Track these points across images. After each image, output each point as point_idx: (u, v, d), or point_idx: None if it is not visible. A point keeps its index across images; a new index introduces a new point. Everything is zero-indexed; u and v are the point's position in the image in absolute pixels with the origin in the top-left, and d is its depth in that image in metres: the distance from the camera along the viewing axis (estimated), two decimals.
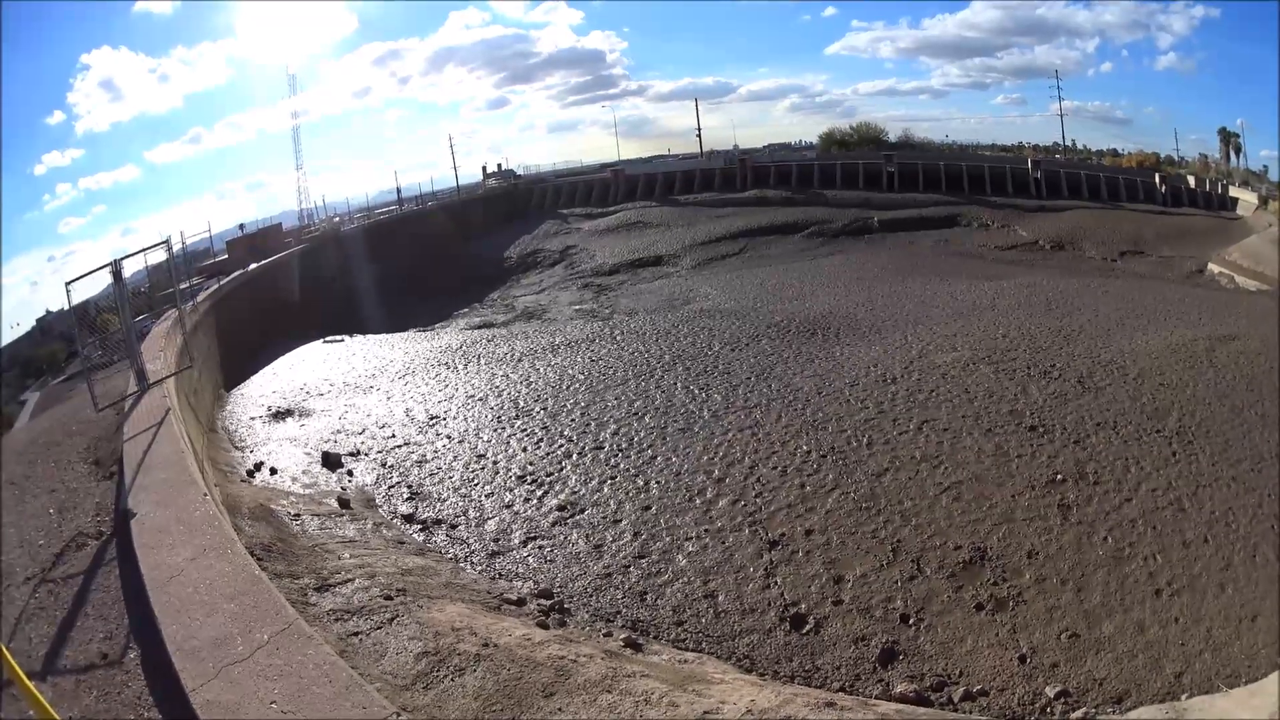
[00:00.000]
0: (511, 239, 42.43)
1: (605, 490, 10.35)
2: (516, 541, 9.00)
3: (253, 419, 14.24)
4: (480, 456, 11.88)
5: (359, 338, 23.52)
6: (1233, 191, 36.32)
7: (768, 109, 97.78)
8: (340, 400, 15.59)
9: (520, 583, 7.99)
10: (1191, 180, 39.43)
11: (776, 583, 7.91)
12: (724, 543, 8.73)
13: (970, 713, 6.02)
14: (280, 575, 6.11)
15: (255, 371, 19.04)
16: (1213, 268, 26.46)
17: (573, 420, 13.24)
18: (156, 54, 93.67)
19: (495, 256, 39.86)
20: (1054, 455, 10.48)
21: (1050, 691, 6.21)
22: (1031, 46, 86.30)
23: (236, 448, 12.32)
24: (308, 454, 11.93)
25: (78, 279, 10.80)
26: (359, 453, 12.15)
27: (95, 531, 6.40)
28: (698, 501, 9.82)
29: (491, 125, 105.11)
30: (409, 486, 10.73)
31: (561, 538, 9.07)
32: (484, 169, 62.84)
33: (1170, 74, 72.08)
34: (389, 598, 6.04)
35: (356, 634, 5.29)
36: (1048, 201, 38.41)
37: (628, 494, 10.18)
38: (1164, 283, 24.60)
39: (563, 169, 62.71)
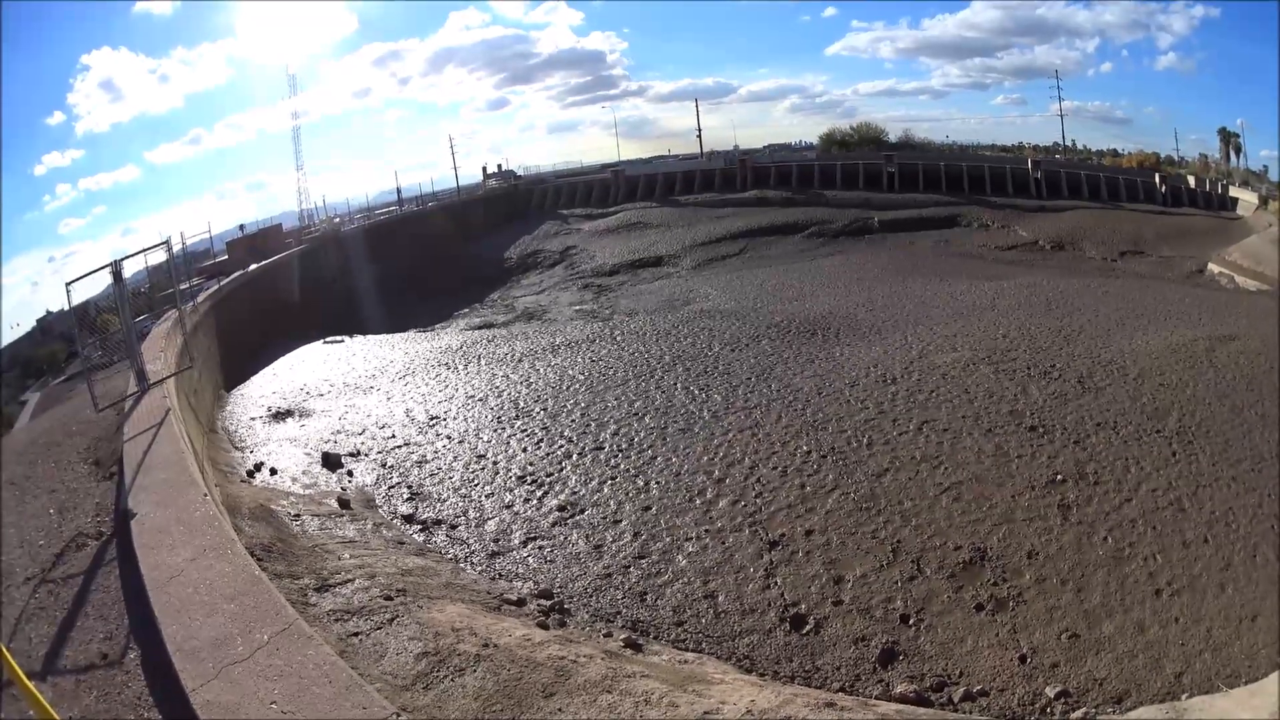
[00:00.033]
0: (511, 239, 42.44)
1: (605, 490, 10.35)
2: (516, 542, 9.00)
3: (253, 419, 14.25)
4: (480, 457, 11.88)
5: (359, 338, 23.52)
6: (1233, 191, 36.33)
7: (768, 109, 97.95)
8: (340, 401, 15.60)
9: (520, 583, 7.99)
10: (1191, 180, 39.44)
11: (776, 583, 7.91)
12: (724, 543, 8.73)
13: (970, 713, 6.02)
14: (280, 575, 6.11)
15: (255, 372, 19.04)
16: (1213, 268, 26.46)
17: (573, 421, 13.24)
18: (156, 54, 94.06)
19: (495, 257, 39.87)
20: (1054, 455, 10.48)
21: (1050, 691, 6.20)
22: (1031, 46, 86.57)
23: (236, 448, 12.32)
24: (308, 454, 11.93)
25: (78, 279, 10.84)
26: (359, 453, 12.15)
27: (95, 532, 6.40)
28: (698, 502, 9.82)
29: (491, 126, 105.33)
30: (409, 487, 10.74)
31: (561, 538, 9.07)
32: (484, 169, 62.90)
33: (1170, 74, 72.25)
34: (389, 598, 6.04)
35: (356, 634, 5.29)
36: (1048, 202, 38.41)
37: (628, 494, 10.18)
38: (1164, 283, 24.60)
39: (563, 169, 62.65)
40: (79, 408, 10.70)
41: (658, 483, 10.45)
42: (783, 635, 7.09)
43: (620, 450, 11.74)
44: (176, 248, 15.58)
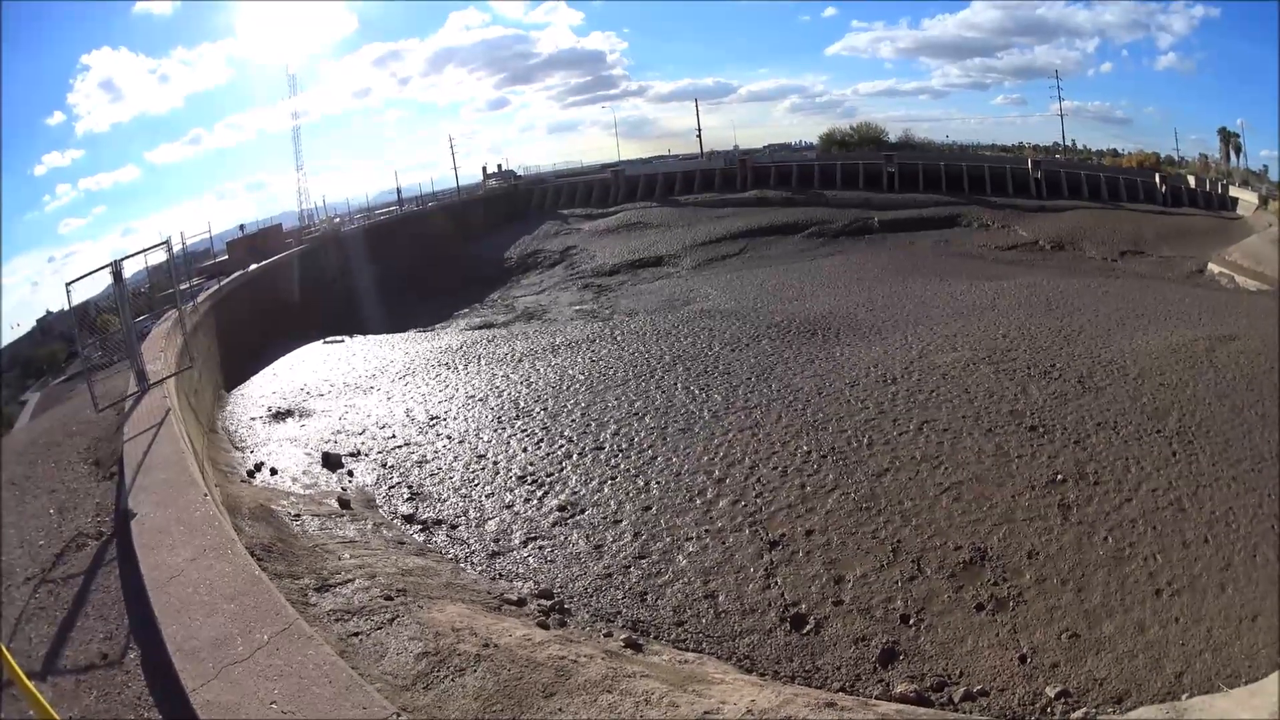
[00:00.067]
0: (511, 239, 42.45)
1: (605, 490, 10.35)
2: (517, 542, 9.00)
3: (253, 419, 14.24)
4: (480, 457, 11.88)
5: (359, 338, 23.52)
6: (1233, 191, 36.33)
7: (768, 109, 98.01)
8: (340, 401, 15.60)
9: (520, 583, 7.99)
10: (1191, 180, 39.42)
11: (777, 583, 7.90)
12: (724, 543, 8.73)
13: (970, 713, 6.02)
14: (280, 575, 6.11)
15: (255, 372, 19.04)
16: (1213, 268, 26.46)
17: (573, 420, 13.24)
18: (156, 54, 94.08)
19: (495, 257, 39.87)
20: (1054, 455, 10.48)
21: (1050, 691, 6.20)
22: (1031, 46, 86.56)
23: (237, 448, 12.32)
24: (308, 454, 11.93)
25: (78, 279, 10.84)
26: (359, 453, 12.15)
27: (95, 532, 6.40)
28: (698, 502, 9.82)
29: (491, 126, 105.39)
30: (409, 487, 10.74)
31: (562, 538, 9.06)
32: (484, 169, 62.91)
33: (1170, 74, 72.27)
34: (389, 598, 6.04)
35: (357, 634, 5.29)
36: (1048, 201, 38.40)
37: (628, 494, 10.18)
38: (1164, 283, 24.60)
39: (563, 169, 62.68)
40: (79, 408, 10.69)
41: (658, 483, 10.45)
42: (783, 635, 7.09)
43: (620, 450, 11.74)
44: (176, 248, 15.57)
